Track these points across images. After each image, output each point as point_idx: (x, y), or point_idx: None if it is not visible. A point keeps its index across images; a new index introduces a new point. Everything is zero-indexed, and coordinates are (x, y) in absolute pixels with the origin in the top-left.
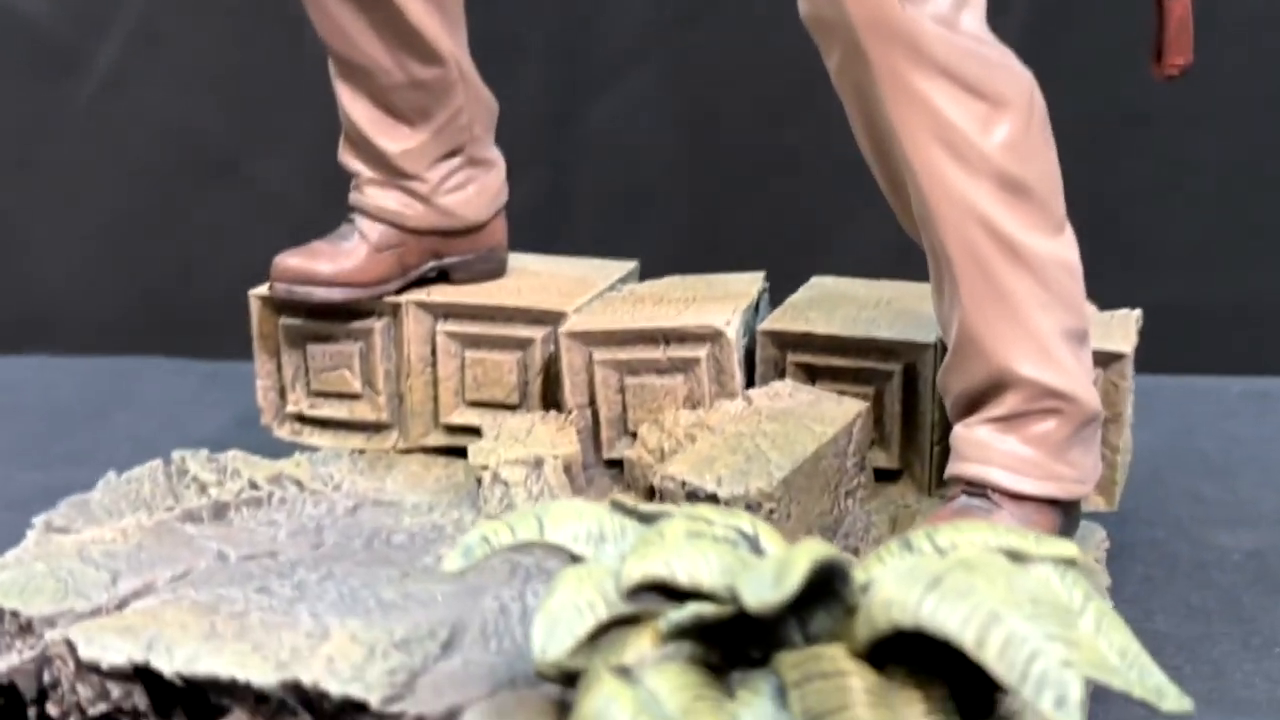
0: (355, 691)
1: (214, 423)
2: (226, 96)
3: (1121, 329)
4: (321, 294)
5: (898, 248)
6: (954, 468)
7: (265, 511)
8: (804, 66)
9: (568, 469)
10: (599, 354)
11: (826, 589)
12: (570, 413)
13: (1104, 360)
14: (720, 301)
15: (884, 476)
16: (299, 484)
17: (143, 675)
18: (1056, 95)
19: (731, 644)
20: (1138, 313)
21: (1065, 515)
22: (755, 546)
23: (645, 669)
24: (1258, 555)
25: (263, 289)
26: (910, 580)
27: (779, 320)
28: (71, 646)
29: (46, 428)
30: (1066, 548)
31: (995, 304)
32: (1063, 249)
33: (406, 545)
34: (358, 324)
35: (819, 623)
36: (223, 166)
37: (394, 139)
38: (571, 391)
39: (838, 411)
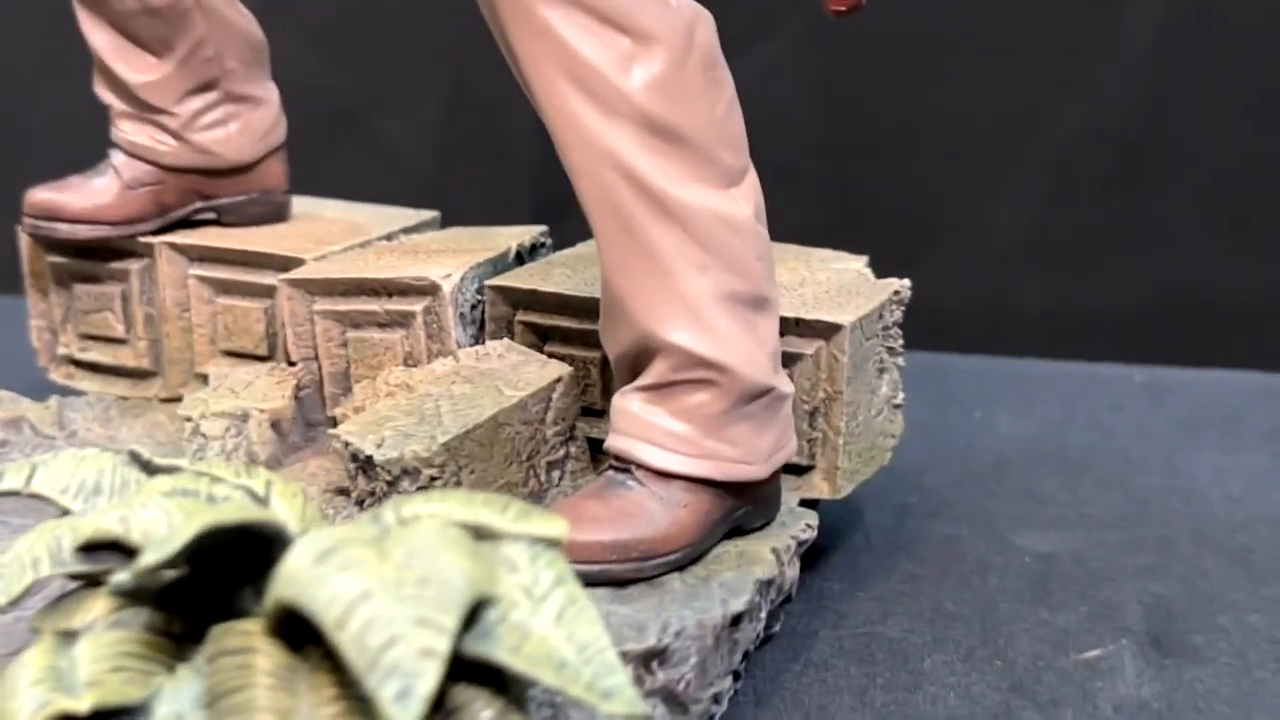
0: None
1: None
2: (353, 51)
3: (863, 298)
4: (66, 230)
5: (1040, 228)
6: (608, 440)
7: None
8: (948, 35)
9: (275, 425)
10: (320, 304)
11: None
12: (296, 366)
13: (824, 331)
14: (460, 255)
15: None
16: (35, 429)
17: None
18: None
19: (195, 612)
20: (903, 283)
21: (734, 497)
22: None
23: (87, 634)
24: (1049, 559)
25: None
26: (307, 552)
27: (513, 276)
28: None
29: None
30: (550, 527)
31: (640, 261)
32: (727, 204)
33: None
34: (117, 265)
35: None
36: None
37: (136, 69)
38: (294, 344)
39: (537, 375)
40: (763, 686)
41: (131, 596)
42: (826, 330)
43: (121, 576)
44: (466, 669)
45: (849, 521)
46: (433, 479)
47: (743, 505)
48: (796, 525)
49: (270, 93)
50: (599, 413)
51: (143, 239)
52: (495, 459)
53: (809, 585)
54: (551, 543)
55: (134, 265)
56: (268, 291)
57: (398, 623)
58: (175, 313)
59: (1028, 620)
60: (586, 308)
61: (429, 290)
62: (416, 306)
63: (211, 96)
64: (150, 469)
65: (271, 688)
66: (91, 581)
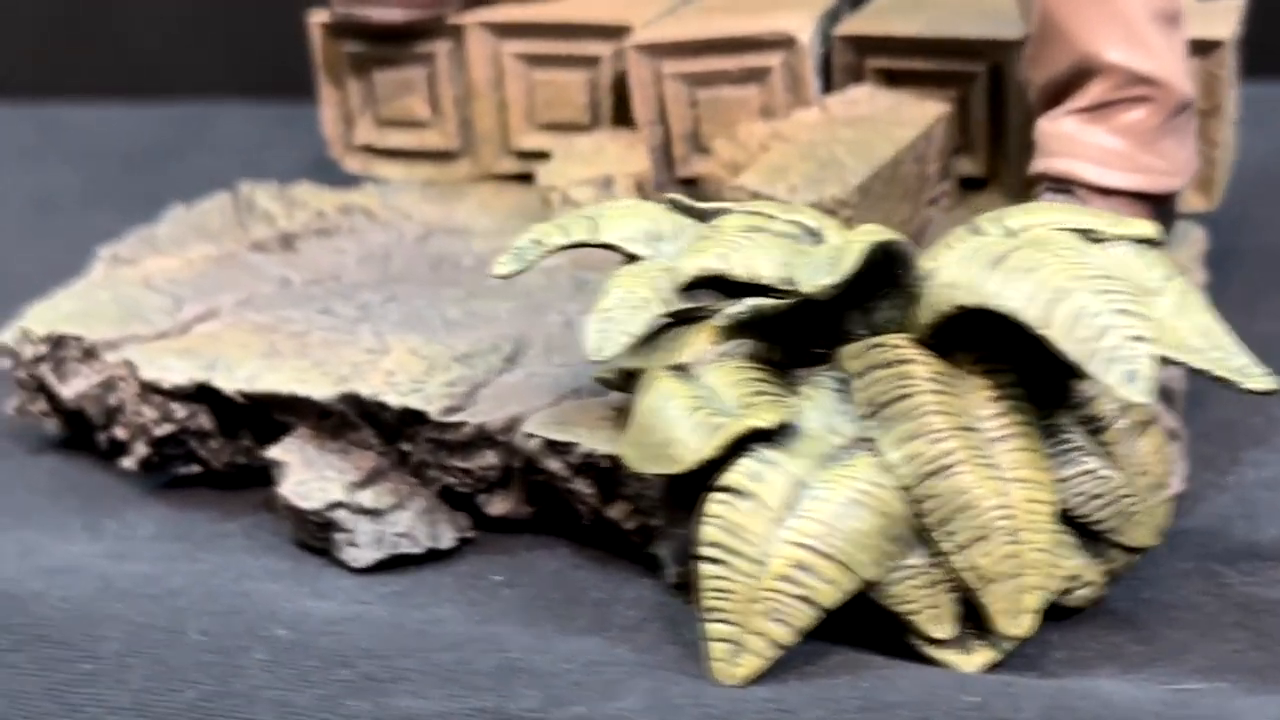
0: (414, 403)
1: (290, 163)
2: None
3: (1222, 15)
4: (380, 14)
5: None
6: (1038, 164)
7: (334, 240)
8: None
9: (639, 187)
10: (668, 66)
11: (889, 278)
12: (641, 130)
13: (1203, 48)
14: (795, 9)
15: (970, 185)
16: (368, 213)
17: (208, 395)
18: None
19: (792, 340)
20: (1239, 1)
21: (1157, 210)
22: (819, 241)
23: (703, 367)
24: None
25: (324, 14)
26: (973, 260)
27: (857, 23)
28: (132, 368)
29: (121, 171)
30: (1146, 227)
31: None
32: None
33: (474, 267)
34: (422, 47)
35: (883, 314)
36: None
37: None
38: (641, 107)
39: (918, 114)
40: None
41: (737, 329)
42: (1206, 47)
43: (735, 308)
44: None
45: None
46: (848, 220)
47: (1161, 216)
48: (1191, 236)
49: None
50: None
51: (449, 20)
52: (892, 197)
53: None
54: (1151, 242)
55: (441, 47)
56: (587, 61)
57: (1103, 314)
58: (486, 91)
59: None
60: (936, 48)
61: (785, 43)
62: (773, 60)
63: None
64: (695, 213)
65: (935, 391)
66: (680, 321)
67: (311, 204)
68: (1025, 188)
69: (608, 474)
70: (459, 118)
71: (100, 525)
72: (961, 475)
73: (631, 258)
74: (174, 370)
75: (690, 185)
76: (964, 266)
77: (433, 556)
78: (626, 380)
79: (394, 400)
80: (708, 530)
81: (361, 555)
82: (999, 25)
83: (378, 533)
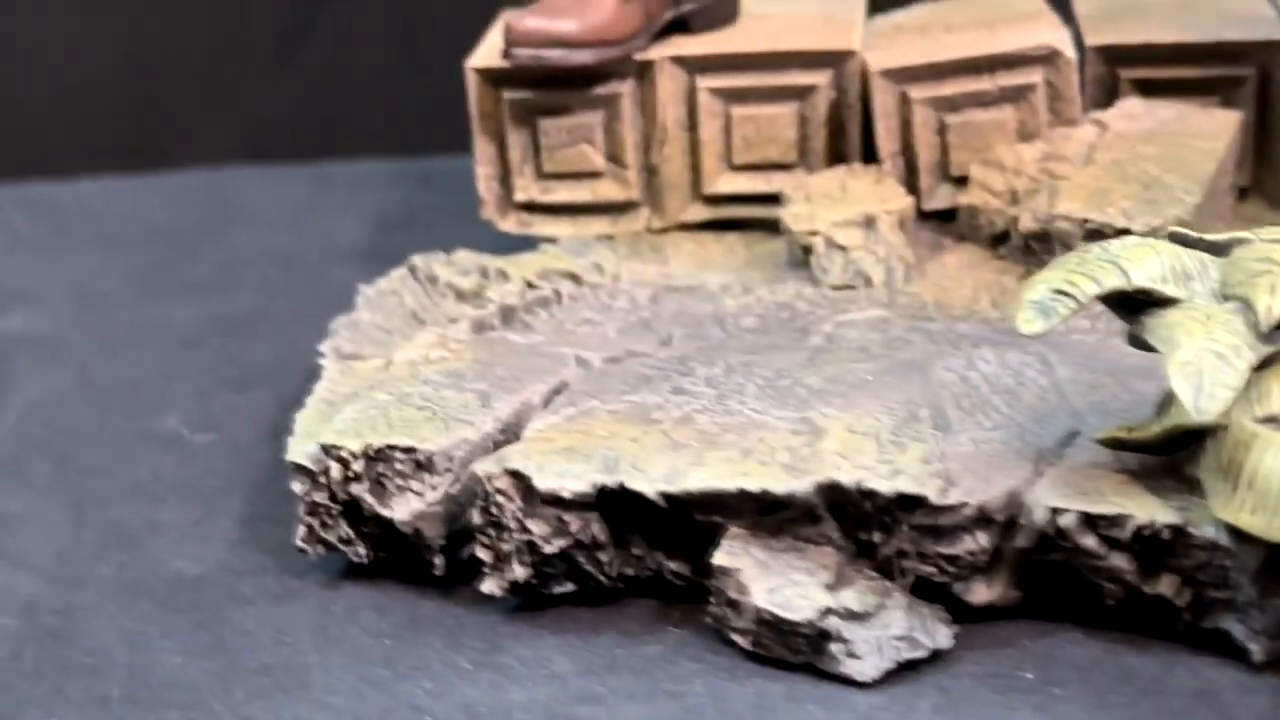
0: (905, 486)
1: (352, 228)
2: None
3: None
4: (575, 57)
5: None
6: None
7: (564, 310)
8: None
9: (901, 224)
10: (915, 91)
11: None
12: (884, 163)
13: None
14: (1032, 21)
15: None
16: (573, 277)
17: (604, 501)
18: None
19: None
20: None
21: None
22: None
23: None
24: None
25: (483, 59)
26: None
27: (1111, 33)
28: (521, 478)
29: (163, 253)
30: None
31: None
32: None
33: (764, 329)
34: (599, 89)
35: None
36: None
37: None
38: (885, 138)
39: (1215, 125)
40: None
41: None
42: None
43: None
44: None
45: None
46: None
47: None
48: None
49: None
50: None
51: (635, 57)
52: (1212, 214)
53: None
54: None
55: (622, 87)
56: (799, 93)
57: None
58: (676, 133)
59: None
60: (1207, 54)
61: (1047, 58)
62: (1034, 77)
63: None
64: (1204, 245)
65: None
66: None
67: (511, 272)
68: None
69: (1157, 546)
70: (639, 164)
71: (499, 664)
72: None
73: (1165, 301)
74: (570, 476)
75: (942, 218)
76: None
77: (931, 659)
78: (1163, 441)
79: (883, 487)
80: None
81: (865, 668)
82: (1257, 25)
83: (876, 639)
